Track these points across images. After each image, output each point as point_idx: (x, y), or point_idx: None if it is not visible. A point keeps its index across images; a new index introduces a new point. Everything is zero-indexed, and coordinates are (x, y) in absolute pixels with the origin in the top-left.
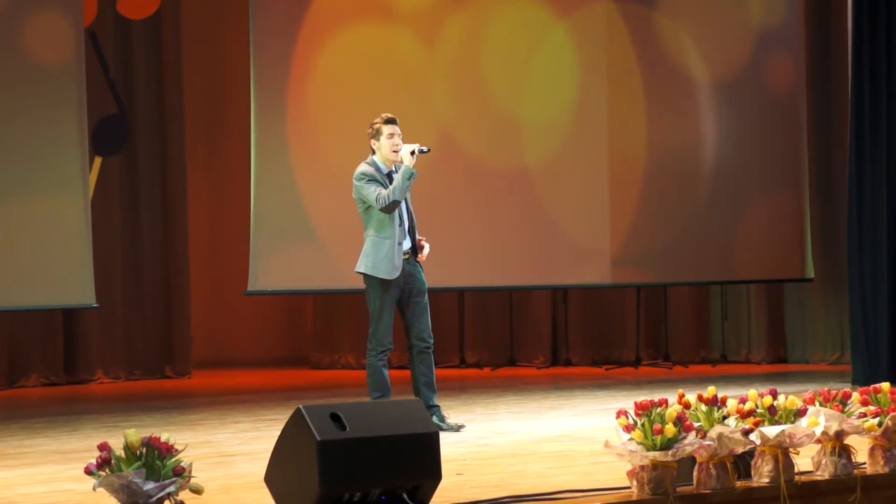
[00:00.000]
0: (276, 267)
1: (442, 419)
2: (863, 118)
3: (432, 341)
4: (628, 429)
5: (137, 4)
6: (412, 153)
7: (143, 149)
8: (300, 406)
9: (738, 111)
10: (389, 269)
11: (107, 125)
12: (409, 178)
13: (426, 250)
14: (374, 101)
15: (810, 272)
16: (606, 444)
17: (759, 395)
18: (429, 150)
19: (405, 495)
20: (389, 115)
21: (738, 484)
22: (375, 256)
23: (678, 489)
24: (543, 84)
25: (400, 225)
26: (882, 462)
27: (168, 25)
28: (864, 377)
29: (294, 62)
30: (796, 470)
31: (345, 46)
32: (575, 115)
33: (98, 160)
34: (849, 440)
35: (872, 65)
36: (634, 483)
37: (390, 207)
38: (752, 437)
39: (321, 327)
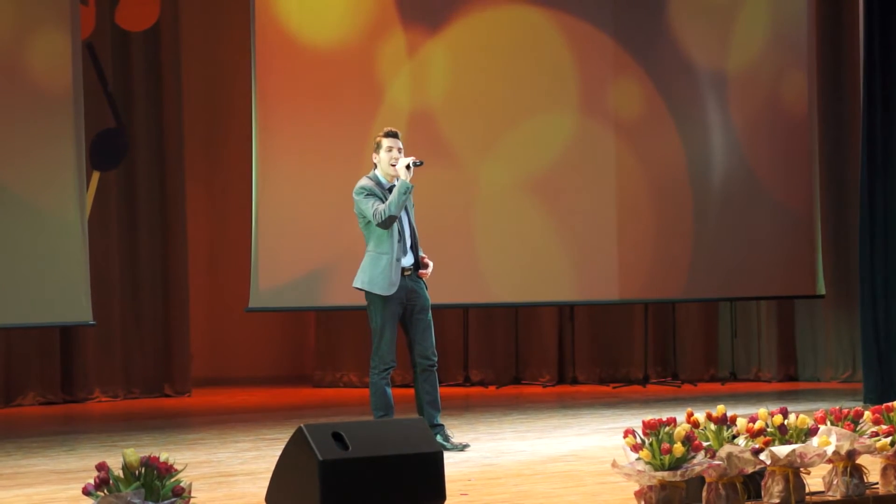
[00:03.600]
0: (277, 283)
1: (446, 438)
2: (875, 134)
3: (436, 359)
4: (636, 448)
5: (136, 16)
6: (407, 167)
7: (141, 163)
8: (302, 425)
9: (748, 126)
10: (385, 286)
11: (105, 139)
12: (405, 193)
13: (430, 268)
14: (377, 115)
15: (821, 289)
16: (614, 464)
17: (769, 414)
18: (422, 162)
19: None
20: (390, 129)
21: None
22: (373, 272)
23: None
24: (548, 99)
25: (399, 241)
26: (895, 482)
27: (167, 37)
28: (876, 395)
29: (296, 76)
30: (807, 490)
31: (347, 59)
32: (581, 130)
33: (96, 175)
34: (861, 460)
35: (884, 81)
36: (642, 503)
37: (387, 222)
38: (763, 456)
39: (323, 345)
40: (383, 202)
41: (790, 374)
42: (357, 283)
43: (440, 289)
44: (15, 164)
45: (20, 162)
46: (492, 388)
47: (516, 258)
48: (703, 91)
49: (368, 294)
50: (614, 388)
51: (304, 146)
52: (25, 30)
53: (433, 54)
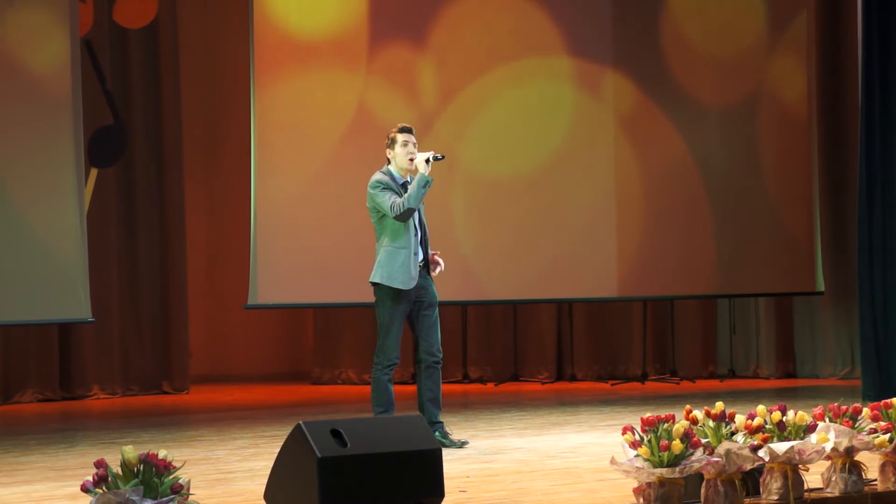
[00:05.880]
0: (276, 280)
1: (445, 436)
2: (873, 130)
3: (441, 356)
4: (634, 445)
5: (134, 13)
6: (427, 161)
7: (139, 160)
8: (300, 422)
9: (746, 123)
10: (405, 280)
11: (103, 136)
12: (424, 186)
13: (441, 266)
14: (377, 113)
15: (820, 285)
16: (612, 461)
17: (767, 411)
18: (443, 157)
19: None
20: (405, 125)
21: (747, 501)
22: (391, 266)
23: None
24: (549, 99)
25: (415, 235)
26: (893, 479)
27: (165, 35)
28: (874, 392)
29: (295, 73)
30: (806, 487)
31: (347, 56)
32: (581, 127)
33: (94, 172)
34: (859, 456)
35: (882, 76)
36: (641, 500)
37: (405, 215)
38: (761, 453)
39: (322, 342)
40: (399, 197)
41: (789, 371)
42: (375, 278)
43: (439, 286)
44: (13, 162)
45: (19, 159)
46: (490, 385)
47: (514, 255)
48: (702, 87)
49: (380, 289)
50: (613, 385)
51: (302, 143)
52: (24, 27)
53: (432, 52)
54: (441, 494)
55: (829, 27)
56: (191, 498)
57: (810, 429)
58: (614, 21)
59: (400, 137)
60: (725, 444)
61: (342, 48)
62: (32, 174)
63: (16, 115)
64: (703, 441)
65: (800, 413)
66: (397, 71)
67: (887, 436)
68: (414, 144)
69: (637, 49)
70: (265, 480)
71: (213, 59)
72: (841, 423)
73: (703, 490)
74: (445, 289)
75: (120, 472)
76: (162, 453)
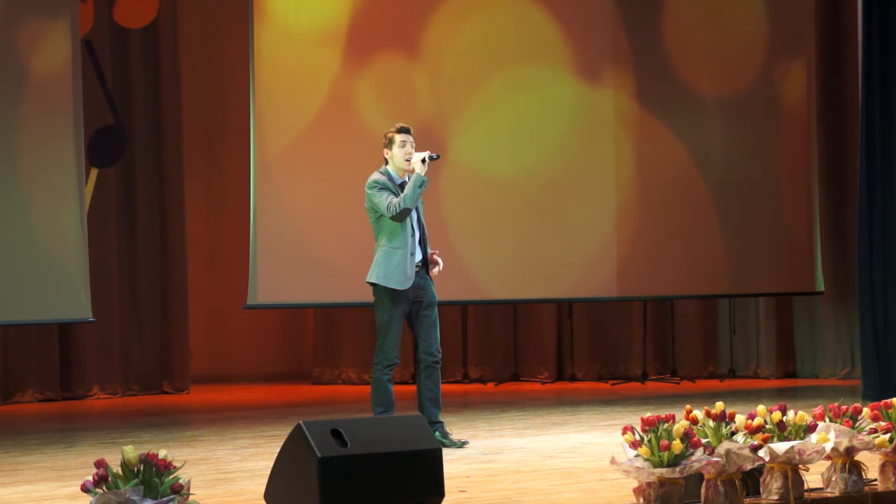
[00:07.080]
0: (276, 280)
1: (445, 435)
2: (873, 130)
3: (440, 356)
4: (635, 445)
5: (134, 13)
6: (423, 161)
7: (140, 160)
8: (300, 422)
9: (746, 123)
10: (402, 280)
11: (103, 136)
12: (420, 186)
13: (440, 266)
14: (376, 114)
15: (820, 285)
16: (612, 461)
17: (767, 411)
18: (438, 156)
19: None
20: (402, 125)
21: (747, 501)
22: (387, 266)
23: None
24: (548, 96)
25: (412, 235)
26: (893, 478)
27: (166, 34)
28: (874, 392)
29: (295, 72)
30: (806, 487)
31: (347, 58)
32: (581, 126)
33: (94, 172)
34: (859, 456)
35: (882, 77)
36: (641, 500)
37: (401, 215)
38: (761, 453)
39: (322, 342)
40: (396, 197)
41: (789, 371)
42: (371, 278)
43: (439, 286)
44: (14, 161)
45: (19, 159)
46: (490, 385)
47: (514, 255)
48: (703, 88)
49: (378, 289)
50: (613, 385)
51: (302, 143)
52: (24, 25)
53: (431, 51)
54: (441, 494)
55: (830, 27)
56: (191, 498)
57: (810, 429)
58: (615, 20)
59: (398, 138)
60: (725, 444)
61: (343, 48)
62: (33, 174)
63: (16, 115)
64: (703, 441)
65: (800, 413)
66: (399, 70)
67: (887, 436)
68: (412, 144)
69: (638, 49)
70: (265, 480)
71: (214, 58)
72: (841, 423)
73: (703, 490)
74: (445, 289)
75: (120, 472)
76: (162, 453)
